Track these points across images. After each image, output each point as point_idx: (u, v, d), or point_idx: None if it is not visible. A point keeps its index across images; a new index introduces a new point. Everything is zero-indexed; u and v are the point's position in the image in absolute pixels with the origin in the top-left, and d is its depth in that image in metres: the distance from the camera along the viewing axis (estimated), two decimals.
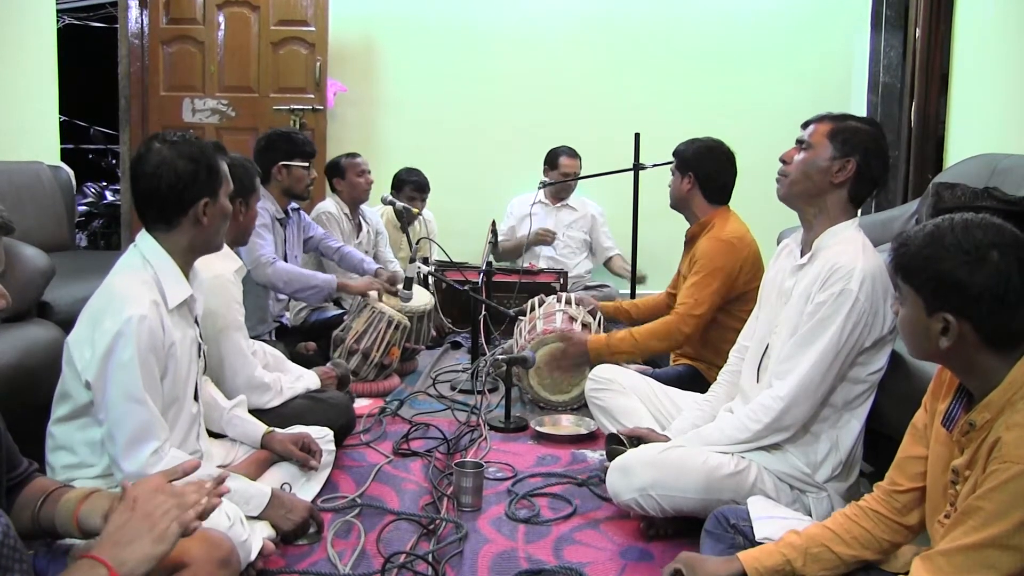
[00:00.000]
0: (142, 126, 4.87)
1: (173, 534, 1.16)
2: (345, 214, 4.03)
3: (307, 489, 2.15)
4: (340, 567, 1.83)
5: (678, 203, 2.89)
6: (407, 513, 2.10)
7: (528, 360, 2.90)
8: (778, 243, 2.63)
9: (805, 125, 2.02)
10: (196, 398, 1.87)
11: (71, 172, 4.09)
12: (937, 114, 3.91)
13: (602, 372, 2.61)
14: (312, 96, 4.81)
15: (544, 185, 4.26)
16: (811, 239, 1.99)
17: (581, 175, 4.49)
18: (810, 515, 1.88)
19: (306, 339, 3.43)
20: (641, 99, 4.98)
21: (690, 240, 2.89)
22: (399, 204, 3.70)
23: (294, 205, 3.41)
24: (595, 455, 2.57)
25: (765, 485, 1.93)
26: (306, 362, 2.94)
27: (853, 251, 1.87)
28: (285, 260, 3.28)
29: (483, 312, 3.30)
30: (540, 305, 3.25)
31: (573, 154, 4.60)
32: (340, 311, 3.67)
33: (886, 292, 1.82)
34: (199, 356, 1.88)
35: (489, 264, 3.60)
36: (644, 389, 2.52)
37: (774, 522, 1.66)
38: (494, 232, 3.75)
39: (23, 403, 1.98)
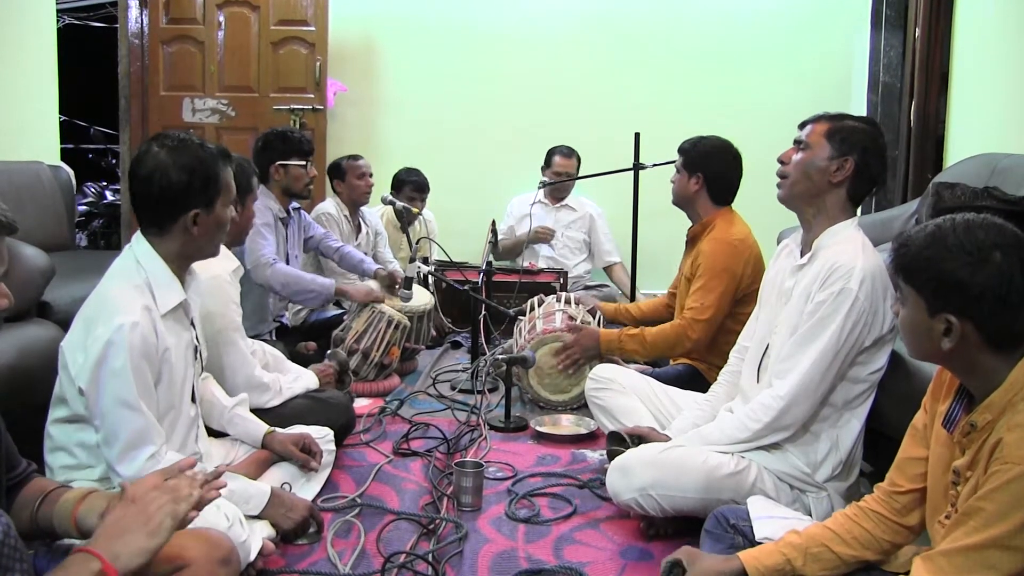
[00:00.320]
0: (142, 126, 4.87)
1: (167, 528, 1.16)
2: (345, 216, 4.03)
3: (307, 489, 2.15)
4: (340, 567, 1.83)
5: (682, 201, 2.87)
6: (407, 513, 2.10)
7: (528, 360, 2.90)
8: (778, 243, 2.63)
9: (802, 125, 2.03)
10: (193, 400, 1.87)
11: (71, 172, 4.09)
12: (937, 113, 3.91)
13: (602, 371, 2.61)
14: (312, 96, 4.81)
15: (544, 185, 4.26)
16: (811, 239, 1.99)
17: (581, 175, 4.49)
18: (810, 515, 1.88)
19: (306, 339, 3.43)
20: (641, 99, 4.98)
21: (691, 240, 2.88)
22: (399, 204, 3.70)
23: (295, 204, 3.41)
24: (595, 455, 2.57)
25: (765, 485, 1.93)
26: (306, 362, 2.93)
27: (853, 250, 1.87)
28: (286, 260, 3.28)
29: (483, 312, 3.30)
30: (540, 305, 3.25)
31: (567, 153, 4.59)
32: (340, 311, 3.67)
33: (886, 291, 1.82)
34: (196, 359, 1.87)
35: (489, 264, 3.60)
36: (644, 389, 2.52)
37: (774, 522, 1.65)
38: (494, 232, 3.75)
39: (22, 403, 1.97)
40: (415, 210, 3.88)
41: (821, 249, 1.93)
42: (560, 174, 4.53)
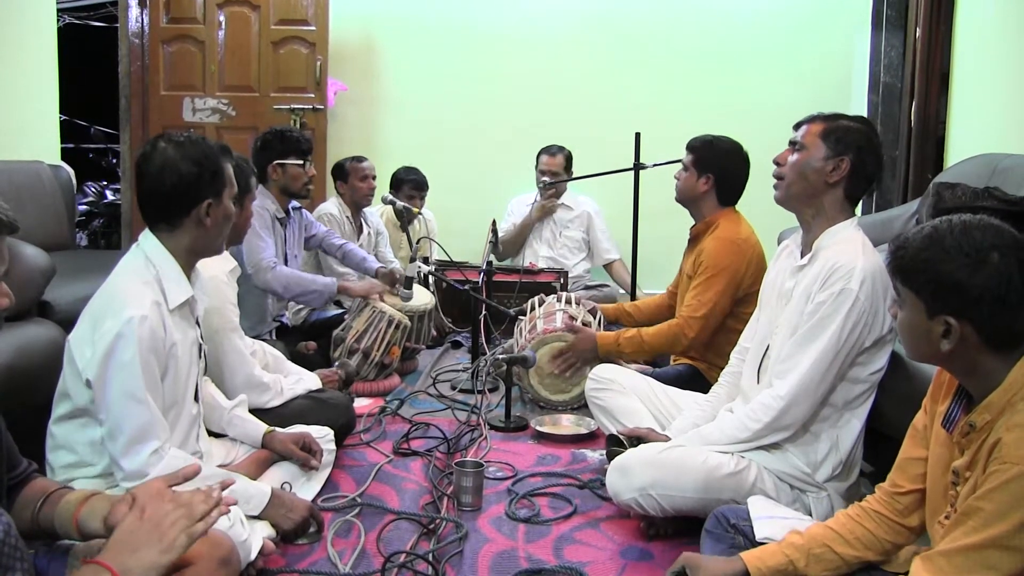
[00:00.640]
0: (142, 125, 4.87)
1: (181, 545, 1.17)
2: (347, 216, 4.03)
3: (307, 488, 2.15)
4: (340, 566, 1.83)
5: (688, 200, 2.86)
6: (407, 512, 2.10)
7: (528, 360, 2.90)
8: (778, 243, 2.63)
9: (797, 126, 2.03)
10: (196, 399, 1.87)
11: (71, 171, 4.09)
12: (937, 114, 3.91)
13: (602, 372, 2.61)
14: (312, 95, 4.81)
15: (546, 185, 4.27)
16: (811, 240, 1.99)
17: (581, 175, 4.48)
18: (810, 515, 1.88)
19: (306, 338, 3.43)
20: (641, 99, 4.98)
21: (694, 238, 2.87)
22: (399, 204, 3.70)
23: (295, 204, 3.40)
24: (595, 455, 2.57)
25: (765, 485, 1.93)
26: (306, 362, 2.94)
27: (853, 251, 1.87)
28: (284, 260, 3.28)
29: (483, 312, 3.30)
30: (540, 305, 3.25)
31: (553, 152, 4.57)
32: (340, 311, 3.67)
33: (886, 291, 1.82)
34: (200, 357, 1.88)
35: (489, 264, 3.60)
36: (644, 389, 2.52)
37: (774, 522, 1.66)
38: (494, 231, 3.75)
39: (22, 403, 1.98)
40: (415, 210, 3.89)
41: (821, 250, 1.93)
42: (546, 172, 4.53)
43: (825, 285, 1.86)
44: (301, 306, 3.68)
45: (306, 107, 4.71)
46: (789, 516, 1.72)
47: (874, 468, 2.22)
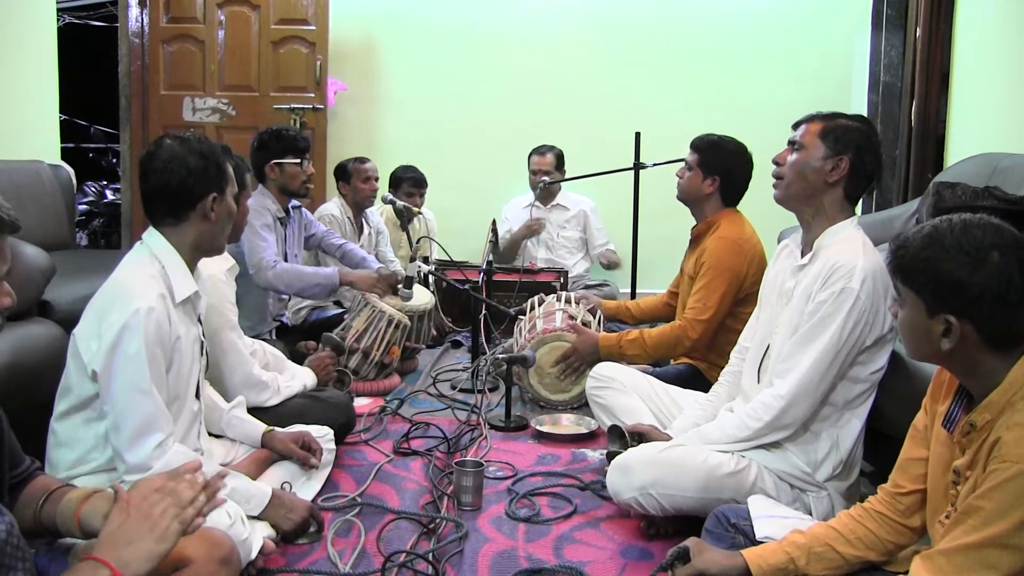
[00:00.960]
0: (142, 125, 4.87)
1: (174, 532, 1.16)
2: (348, 218, 4.03)
3: (307, 488, 2.15)
4: (340, 566, 1.83)
5: (691, 200, 2.85)
6: (407, 512, 2.10)
7: (528, 359, 2.90)
8: (778, 243, 2.63)
9: (795, 126, 2.03)
10: (198, 396, 1.88)
11: (71, 171, 4.09)
12: (937, 113, 3.91)
13: (603, 370, 2.61)
14: (312, 95, 4.82)
15: (545, 184, 4.26)
16: (811, 239, 1.99)
17: (581, 175, 4.48)
18: (810, 514, 1.88)
19: (306, 338, 3.42)
20: (641, 99, 4.98)
21: (696, 238, 2.87)
22: (399, 203, 3.70)
23: (295, 203, 3.40)
24: (595, 454, 2.57)
25: (765, 484, 1.93)
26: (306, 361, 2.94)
27: (853, 250, 1.87)
28: (285, 259, 3.28)
29: (483, 311, 3.30)
30: (540, 304, 3.25)
31: (543, 151, 4.59)
32: (340, 310, 3.67)
33: (887, 290, 1.82)
34: (202, 354, 1.88)
35: (489, 263, 3.60)
36: (645, 388, 2.52)
37: (774, 521, 1.66)
38: (494, 231, 3.75)
39: (23, 402, 1.97)
40: (415, 208, 3.88)
41: (822, 249, 1.93)
42: (537, 172, 4.53)
43: (826, 284, 1.86)
44: (301, 306, 3.68)
45: (306, 107, 4.71)
46: (789, 515, 1.72)
47: (874, 468, 2.22)
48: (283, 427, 2.21)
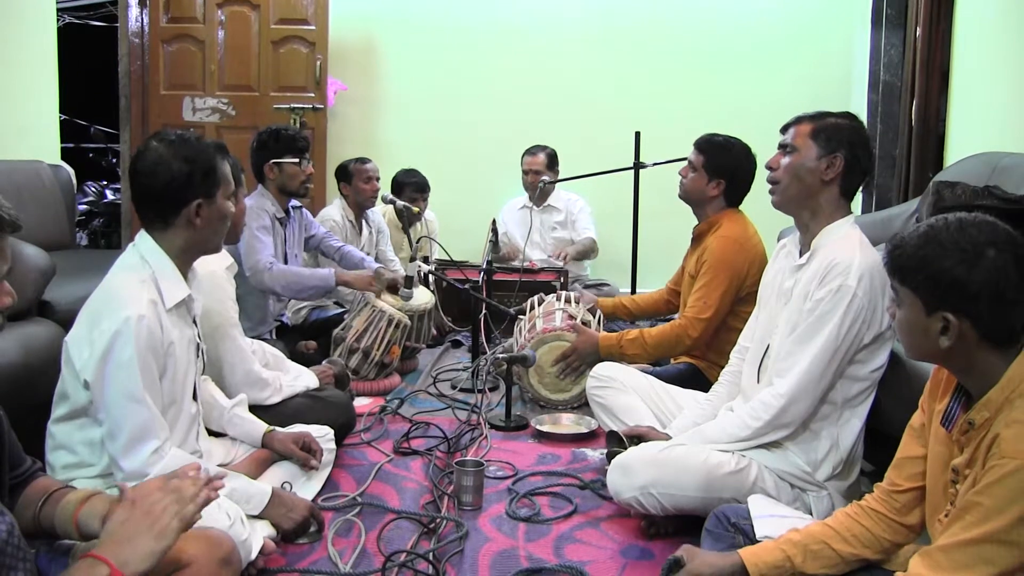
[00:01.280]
0: (142, 125, 4.87)
1: (174, 529, 1.16)
2: (350, 221, 4.01)
3: (308, 488, 2.15)
4: (341, 566, 1.83)
5: (694, 200, 2.84)
6: (408, 512, 2.10)
7: (528, 359, 2.90)
8: (778, 243, 2.63)
9: (784, 129, 2.02)
10: (195, 398, 1.87)
11: (71, 171, 4.10)
12: (938, 112, 3.90)
13: (603, 370, 2.61)
14: (312, 95, 4.82)
15: (545, 184, 4.26)
16: (809, 239, 1.99)
17: (581, 175, 4.47)
18: (810, 514, 1.88)
19: (306, 338, 3.43)
20: (641, 99, 4.98)
21: (697, 237, 2.87)
22: (399, 203, 3.69)
23: (295, 203, 3.40)
24: (595, 454, 2.57)
25: (765, 483, 1.93)
26: (306, 361, 2.94)
27: (850, 248, 1.87)
28: (285, 260, 3.27)
29: (483, 311, 3.30)
30: (540, 304, 3.25)
31: (534, 151, 4.56)
32: (341, 310, 3.67)
33: (884, 288, 1.82)
34: (197, 356, 1.88)
35: (489, 263, 3.60)
36: (645, 387, 2.52)
37: (774, 520, 1.66)
38: (494, 230, 3.75)
39: (23, 402, 1.98)
40: (415, 209, 3.88)
41: (819, 248, 1.94)
42: (529, 172, 4.52)
43: (823, 282, 1.86)
44: (301, 306, 3.68)
45: (306, 107, 4.70)
46: (789, 515, 1.72)
47: (874, 467, 2.22)
48: (283, 427, 2.21)
